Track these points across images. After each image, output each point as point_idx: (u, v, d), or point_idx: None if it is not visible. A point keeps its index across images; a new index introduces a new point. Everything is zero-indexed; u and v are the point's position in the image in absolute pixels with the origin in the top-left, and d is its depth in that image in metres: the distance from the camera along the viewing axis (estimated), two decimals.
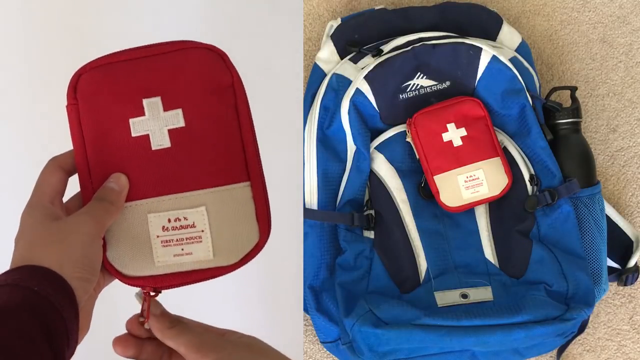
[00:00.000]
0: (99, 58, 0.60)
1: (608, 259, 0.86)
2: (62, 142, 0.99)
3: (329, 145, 0.85)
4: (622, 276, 0.87)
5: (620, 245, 0.89)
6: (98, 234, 0.55)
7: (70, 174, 0.59)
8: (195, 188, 0.58)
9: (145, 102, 0.59)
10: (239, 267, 0.59)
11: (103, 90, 0.60)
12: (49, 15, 0.98)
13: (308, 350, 0.91)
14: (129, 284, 0.59)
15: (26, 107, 1.01)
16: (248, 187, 0.59)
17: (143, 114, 0.59)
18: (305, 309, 0.84)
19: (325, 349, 0.88)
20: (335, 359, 0.89)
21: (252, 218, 0.59)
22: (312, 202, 0.84)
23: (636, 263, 0.87)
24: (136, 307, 0.60)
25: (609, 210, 0.88)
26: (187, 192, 0.58)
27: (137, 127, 0.59)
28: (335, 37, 0.91)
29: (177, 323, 0.57)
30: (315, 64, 0.91)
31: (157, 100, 0.58)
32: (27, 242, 0.54)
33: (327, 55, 0.90)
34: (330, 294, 0.82)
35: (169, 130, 0.58)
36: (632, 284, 0.88)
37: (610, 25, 1.01)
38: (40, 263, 0.50)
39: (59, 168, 0.58)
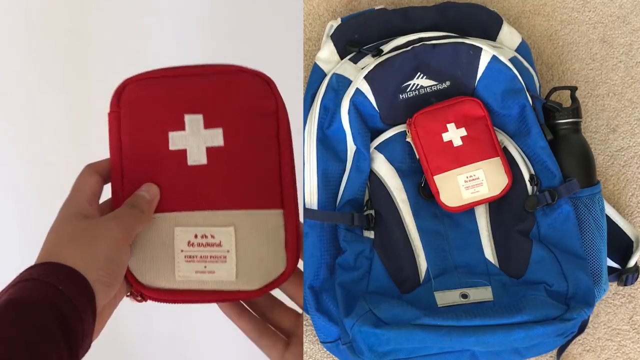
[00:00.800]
0: (146, 71, 0.60)
1: (608, 259, 0.86)
2: (64, 142, 0.99)
3: (329, 145, 0.85)
4: (622, 276, 0.87)
5: (620, 245, 0.89)
6: (126, 240, 0.56)
7: (106, 180, 0.60)
8: (226, 207, 0.58)
9: (187, 117, 0.58)
10: (260, 294, 0.59)
11: (146, 101, 0.60)
12: (51, 15, 0.98)
13: (308, 350, 0.91)
14: (145, 294, 0.59)
15: (28, 107, 1.01)
16: (280, 214, 0.58)
17: (183, 128, 0.59)
18: (305, 309, 0.84)
19: (325, 349, 0.88)
20: (335, 359, 0.89)
21: (280, 246, 0.58)
22: (312, 202, 0.84)
23: (636, 263, 0.87)
24: (134, 308, 0.60)
25: (609, 210, 0.88)
26: (217, 210, 0.58)
27: (176, 141, 0.59)
28: (335, 37, 0.91)
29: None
30: (315, 64, 0.91)
31: (199, 117, 0.58)
32: (57, 236, 0.54)
33: (327, 55, 0.90)
34: (330, 294, 0.82)
35: (207, 148, 0.58)
36: (632, 284, 0.88)
37: (610, 25, 1.01)
38: (66, 262, 0.51)
39: (95, 172, 0.59)
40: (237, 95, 0.58)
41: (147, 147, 0.59)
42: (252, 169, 0.58)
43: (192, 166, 0.58)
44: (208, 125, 0.58)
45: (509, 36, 0.91)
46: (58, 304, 0.48)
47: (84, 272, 0.51)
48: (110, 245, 0.54)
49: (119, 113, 0.60)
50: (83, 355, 0.50)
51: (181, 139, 0.58)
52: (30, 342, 0.45)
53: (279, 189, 0.58)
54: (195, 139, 0.58)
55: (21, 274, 0.51)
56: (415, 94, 0.86)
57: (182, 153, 0.59)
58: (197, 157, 0.58)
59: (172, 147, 0.59)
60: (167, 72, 0.60)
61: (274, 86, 0.59)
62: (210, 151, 0.58)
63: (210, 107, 0.58)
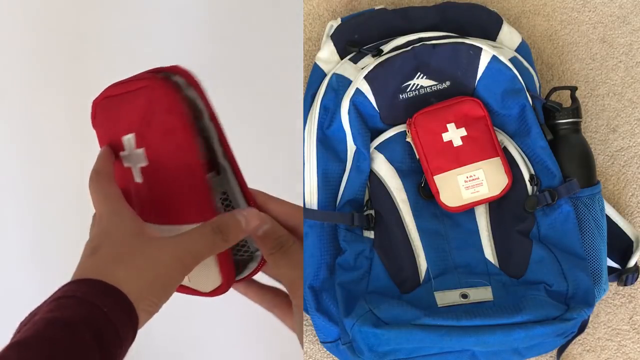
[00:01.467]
0: (106, 88, 0.61)
1: (608, 259, 0.86)
2: (64, 142, 0.99)
3: (329, 145, 0.85)
4: (622, 276, 0.87)
5: (620, 245, 0.89)
6: (188, 270, 0.53)
7: None
8: (159, 223, 0.58)
9: (123, 139, 0.59)
10: (213, 296, 0.59)
11: (103, 123, 0.61)
12: (51, 15, 0.98)
13: (308, 350, 0.91)
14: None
15: (28, 107, 1.01)
16: None
17: (124, 149, 0.59)
18: (305, 309, 0.84)
19: (325, 349, 0.88)
20: (335, 359, 0.89)
21: (211, 262, 0.56)
22: (312, 202, 0.84)
23: (636, 263, 0.87)
24: None
25: (609, 210, 0.88)
26: (154, 225, 0.58)
27: (124, 160, 0.60)
28: (335, 37, 0.91)
29: (279, 248, 0.55)
30: (315, 64, 0.91)
31: (132, 137, 0.58)
32: (113, 254, 0.51)
33: (327, 55, 0.90)
34: (330, 294, 0.82)
35: (141, 168, 0.58)
36: (632, 284, 0.88)
37: (610, 25, 1.01)
38: (120, 286, 0.49)
39: (113, 178, 0.58)
40: (152, 112, 0.56)
41: (114, 162, 0.61)
42: (176, 186, 0.57)
43: (136, 183, 0.59)
44: (137, 144, 0.58)
45: (509, 36, 0.91)
46: (101, 328, 0.46)
47: (136, 302, 0.49)
48: (169, 276, 0.51)
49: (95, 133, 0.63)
50: None
51: (126, 158, 0.59)
52: None
53: (195, 203, 0.56)
54: (132, 159, 0.59)
55: (64, 288, 0.49)
56: (415, 94, 0.86)
57: (130, 171, 0.60)
58: (136, 175, 0.59)
59: (124, 164, 0.60)
60: (110, 91, 0.60)
61: (180, 95, 0.56)
62: (143, 170, 0.58)
63: (137, 126, 0.58)
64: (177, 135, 0.55)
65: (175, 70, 0.58)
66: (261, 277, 0.61)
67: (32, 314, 0.47)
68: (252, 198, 0.58)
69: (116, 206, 0.55)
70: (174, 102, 0.55)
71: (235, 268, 0.60)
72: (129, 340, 0.49)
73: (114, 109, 0.60)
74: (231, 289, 0.61)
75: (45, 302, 0.48)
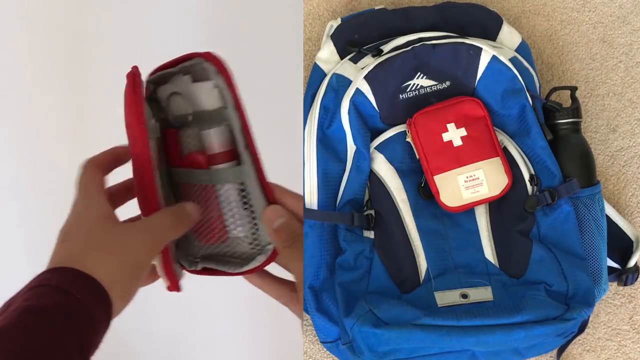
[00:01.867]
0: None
1: (608, 259, 0.86)
2: (64, 142, 0.99)
3: (329, 145, 0.85)
4: (622, 276, 0.87)
5: (620, 245, 0.89)
6: (155, 254, 0.55)
7: (106, 173, 0.60)
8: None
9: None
10: (169, 291, 0.61)
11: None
12: (51, 16, 0.98)
13: (308, 350, 0.91)
14: None
15: (28, 107, 1.01)
16: None
17: None
18: (305, 309, 0.84)
19: (325, 349, 0.88)
20: (335, 359, 0.89)
21: (158, 261, 0.58)
22: (312, 202, 0.84)
23: (636, 263, 0.87)
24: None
25: (609, 210, 0.88)
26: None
27: None
28: (335, 37, 0.91)
29: (292, 241, 0.57)
30: (315, 64, 0.91)
31: None
32: (83, 240, 0.53)
33: (327, 55, 0.90)
34: (330, 294, 0.82)
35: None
36: (632, 284, 0.88)
37: (610, 25, 1.01)
38: (92, 272, 0.50)
39: (99, 168, 0.58)
40: (126, 112, 0.58)
41: None
42: (135, 178, 0.58)
43: None
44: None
45: (509, 36, 0.91)
46: (75, 314, 0.47)
47: (109, 288, 0.50)
48: (139, 260, 0.53)
49: None
50: None
51: None
52: (44, 352, 0.44)
53: (149, 206, 0.57)
54: None
55: (39, 277, 0.49)
56: (415, 94, 0.86)
57: None
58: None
59: None
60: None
61: (137, 98, 0.56)
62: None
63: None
64: (132, 130, 0.56)
65: (206, 57, 0.58)
66: (277, 271, 0.62)
67: (7, 304, 0.48)
68: (270, 191, 0.59)
69: (86, 191, 0.56)
70: (131, 100, 0.56)
71: (244, 259, 0.60)
72: (103, 325, 0.49)
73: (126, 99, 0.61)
74: (241, 283, 0.61)
75: (21, 291, 0.49)
